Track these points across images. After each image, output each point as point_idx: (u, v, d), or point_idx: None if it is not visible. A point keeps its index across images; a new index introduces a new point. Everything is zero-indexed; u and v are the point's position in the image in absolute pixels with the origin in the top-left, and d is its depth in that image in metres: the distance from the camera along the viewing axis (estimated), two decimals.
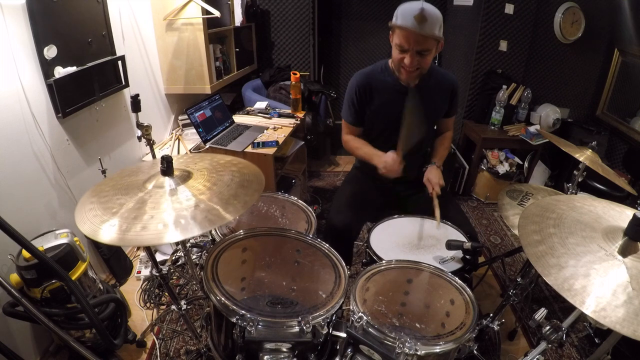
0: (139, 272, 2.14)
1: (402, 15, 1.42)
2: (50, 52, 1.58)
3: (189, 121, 2.28)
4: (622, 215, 0.97)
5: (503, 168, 3.04)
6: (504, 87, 3.04)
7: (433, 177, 1.65)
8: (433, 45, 1.46)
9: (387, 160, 1.54)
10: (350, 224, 1.58)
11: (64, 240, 1.43)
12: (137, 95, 1.69)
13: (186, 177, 1.09)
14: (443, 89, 1.69)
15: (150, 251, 1.24)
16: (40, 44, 1.54)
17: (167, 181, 1.05)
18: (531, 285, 1.85)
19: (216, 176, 1.12)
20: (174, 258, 2.16)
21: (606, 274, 0.79)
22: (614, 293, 0.76)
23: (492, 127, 3.12)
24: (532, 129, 2.97)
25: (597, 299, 0.75)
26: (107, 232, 0.91)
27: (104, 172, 1.79)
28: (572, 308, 0.83)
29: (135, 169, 1.19)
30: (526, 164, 3.13)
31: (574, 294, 0.77)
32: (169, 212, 0.96)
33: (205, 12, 2.33)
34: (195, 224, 0.93)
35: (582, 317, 1.81)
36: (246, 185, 1.10)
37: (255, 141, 2.23)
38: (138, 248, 2.33)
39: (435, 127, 1.83)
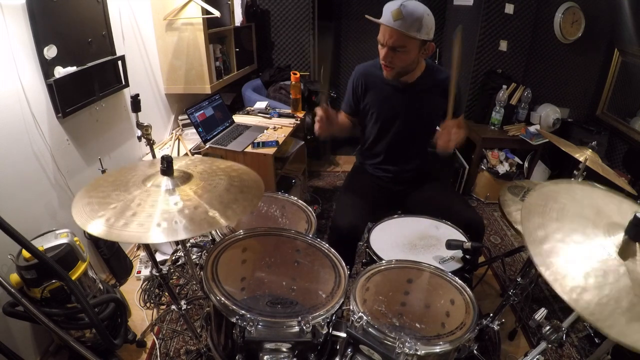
0: (139, 272, 2.14)
1: (384, 10, 1.45)
2: (50, 52, 1.58)
3: (189, 121, 2.28)
4: (620, 208, 0.96)
5: (503, 168, 3.04)
6: (504, 87, 3.04)
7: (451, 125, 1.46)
8: (409, 44, 1.46)
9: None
10: (356, 225, 1.56)
11: (64, 240, 1.43)
12: (137, 95, 1.69)
13: (186, 178, 1.09)
14: (441, 87, 1.65)
15: (150, 251, 1.24)
16: (40, 44, 1.54)
17: (166, 181, 1.05)
18: (531, 285, 1.85)
19: (216, 179, 1.12)
20: (174, 258, 2.16)
21: (608, 276, 0.77)
22: (617, 300, 0.74)
23: (492, 127, 3.12)
24: (532, 128, 2.97)
25: (601, 306, 0.73)
26: (100, 226, 0.91)
27: (103, 172, 1.79)
28: (572, 308, 0.82)
29: (134, 167, 1.19)
30: (526, 164, 3.13)
31: (575, 298, 0.74)
32: (164, 212, 0.96)
33: (205, 12, 2.33)
34: (189, 226, 0.93)
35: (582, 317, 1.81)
36: (245, 191, 1.10)
37: (255, 141, 2.24)
38: (138, 248, 2.33)
39: (437, 128, 1.82)
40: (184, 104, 2.68)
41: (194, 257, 1.93)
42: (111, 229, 0.90)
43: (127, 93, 2.11)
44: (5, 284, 1.08)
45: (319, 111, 1.52)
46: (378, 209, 1.73)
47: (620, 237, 0.85)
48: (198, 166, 1.20)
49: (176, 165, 1.11)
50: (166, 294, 2.00)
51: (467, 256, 1.33)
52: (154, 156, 1.91)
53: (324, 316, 1.02)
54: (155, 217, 0.94)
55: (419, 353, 0.96)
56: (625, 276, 0.78)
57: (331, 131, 1.57)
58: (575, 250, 0.84)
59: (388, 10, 1.43)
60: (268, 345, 1.00)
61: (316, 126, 1.55)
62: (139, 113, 1.70)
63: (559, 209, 0.94)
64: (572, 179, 1.62)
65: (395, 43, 1.45)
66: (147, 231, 0.91)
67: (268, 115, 2.66)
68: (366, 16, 1.52)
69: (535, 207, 0.95)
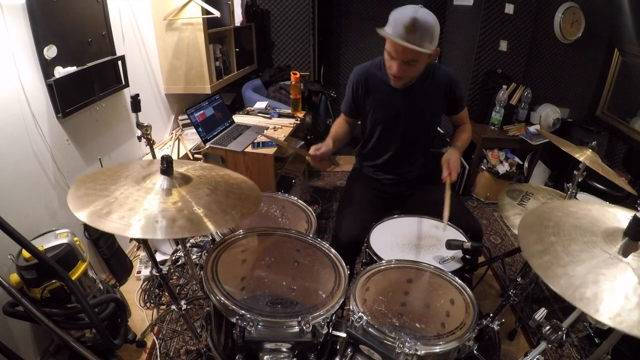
0: (139, 272, 2.14)
1: (394, 23, 1.38)
2: (50, 52, 1.58)
3: (189, 121, 2.28)
4: (616, 216, 0.97)
5: (503, 168, 3.04)
6: (504, 87, 3.04)
7: (453, 160, 1.55)
8: (421, 56, 1.43)
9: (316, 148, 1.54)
10: (357, 236, 1.52)
11: (64, 240, 1.43)
12: (137, 95, 1.69)
13: (185, 180, 1.09)
14: (439, 88, 1.66)
15: (150, 251, 1.24)
16: (40, 44, 1.54)
17: (166, 181, 1.05)
18: (531, 285, 1.85)
19: (213, 184, 1.12)
20: (174, 258, 2.16)
21: (615, 277, 0.78)
22: (626, 297, 0.74)
23: (492, 127, 3.12)
24: (532, 128, 2.97)
25: (610, 304, 0.74)
26: (94, 215, 0.92)
27: None
28: (572, 308, 0.82)
29: (133, 164, 1.19)
30: (526, 164, 3.13)
31: (586, 302, 0.75)
32: (162, 210, 0.96)
33: (205, 12, 2.33)
34: (187, 225, 0.93)
35: (582, 317, 1.81)
36: (243, 198, 1.11)
37: (255, 141, 2.23)
38: (138, 248, 2.33)
39: (437, 128, 1.83)
40: (184, 104, 2.68)
41: (194, 257, 1.93)
42: (106, 220, 0.90)
43: (127, 93, 2.11)
44: (5, 284, 1.08)
45: (312, 151, 1.52)
46: (378, 213, 1.71)
47: (620, 239, 0.86)
48: (197, 171, 1.20)
49: (176, 169, 1.11)
50: (166, 294, 2.00)
51: (467, 256, 1.33)
52: (154, 156, 1.91)
53: (324, 316, 1.02)
54: (152, 214, 0.94)
55: (419, 353, 0.96)
56: (632, 275, 0.79)
57: (326, 164, 1.56)
58: (577, 259, 0.84)
59: (399, 23, 1.35)
60: (268, 345, 1.00)
61: (310, 161, 1.56)
62: (139, 113, 1.70)
63: (554, 225, 0.95)
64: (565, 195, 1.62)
65: (408, 58, 1.42)
66: (143, 227, 0.91)
67: (268, 115, 2.66)
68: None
69: (531, 226, 0.96)
